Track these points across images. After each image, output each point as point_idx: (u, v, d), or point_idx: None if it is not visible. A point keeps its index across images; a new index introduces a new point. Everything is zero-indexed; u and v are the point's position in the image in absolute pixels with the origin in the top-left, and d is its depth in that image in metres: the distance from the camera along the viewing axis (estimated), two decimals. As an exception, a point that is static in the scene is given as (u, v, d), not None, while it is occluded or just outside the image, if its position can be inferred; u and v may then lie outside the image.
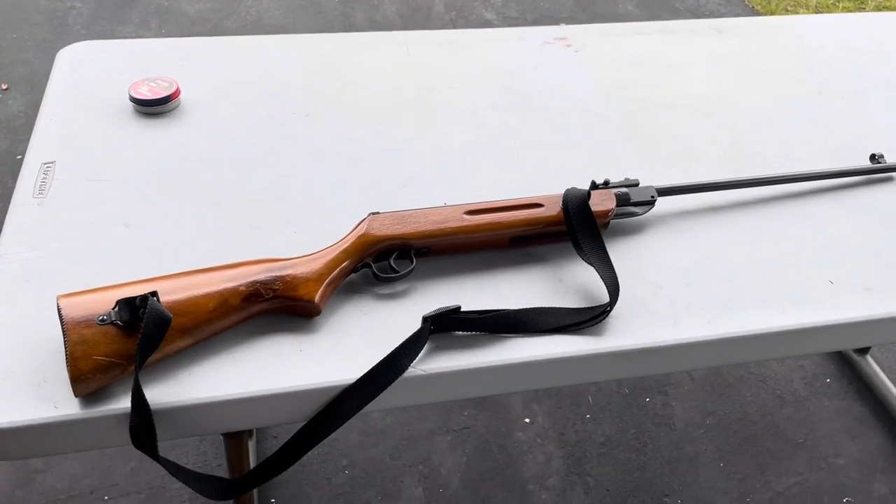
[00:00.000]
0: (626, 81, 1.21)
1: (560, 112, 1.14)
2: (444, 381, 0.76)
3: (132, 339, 0.68)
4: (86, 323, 0.68)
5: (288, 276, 0.76)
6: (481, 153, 1.04)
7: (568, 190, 0.87)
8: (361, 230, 0.81)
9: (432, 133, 1.07)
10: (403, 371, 0.73)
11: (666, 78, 1.23)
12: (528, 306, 0.80)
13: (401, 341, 0.74)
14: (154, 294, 0.69)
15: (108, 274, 0.78)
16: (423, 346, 0.75)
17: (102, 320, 0.68)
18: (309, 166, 0.98)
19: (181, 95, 1.06)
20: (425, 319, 0.75)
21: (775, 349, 0.84)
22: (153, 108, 1.04)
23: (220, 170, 0.96)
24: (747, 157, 1.07)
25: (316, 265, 0.78)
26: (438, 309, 0.76)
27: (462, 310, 0.77)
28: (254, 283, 0.75)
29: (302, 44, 1.25)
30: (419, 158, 1.02)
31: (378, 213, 0.83)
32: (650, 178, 1.02)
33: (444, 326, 0.76)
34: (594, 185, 0.91)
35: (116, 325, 0.68)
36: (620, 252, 0.88)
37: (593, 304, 0.81)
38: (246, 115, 1.06)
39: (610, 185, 0.91)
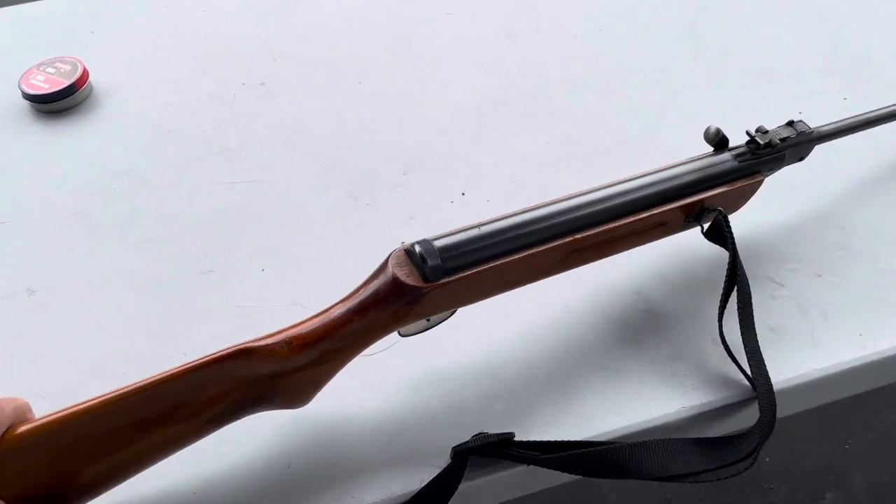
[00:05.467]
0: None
1: (599, 33, 0.85)
2: None
3: None
4: None
5: (281, 383, 0.47)
6: (501, 106, 0.77)
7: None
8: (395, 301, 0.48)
9: (432, 85, 0.79)
10: None
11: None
12: (610, 389, 0.54)
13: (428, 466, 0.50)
14: None
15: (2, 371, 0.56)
16: (457, 488, 0.49)
17: None
18: (274, 162, 0.72)
19: (90, 79, 0.79)
20: (457, 453, 0.49)
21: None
22: (55, 103, 0.77)
23: (151, 185, 0.70)
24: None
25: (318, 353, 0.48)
26: (477, 437, 0.50)
27: (516, 438, 0.50)
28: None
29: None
30: (420, 127, 0.75)
31: (424, 273, 0.48)
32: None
33: (489, 453, 0.50)
34: (755, 146, 0.57)
35: None
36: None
37: (716, 392, 0.54)
38: (181, 95, 0.79)
39: (776, 144, 0.57)
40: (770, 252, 0.63)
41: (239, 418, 0.48)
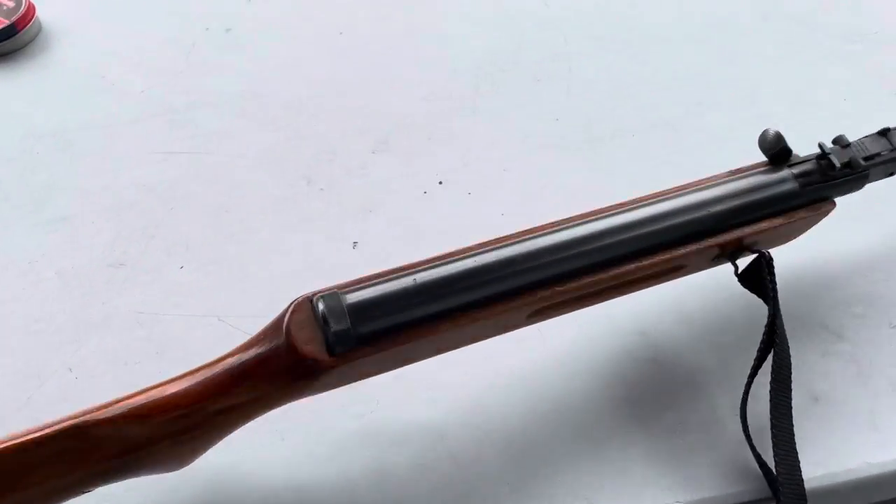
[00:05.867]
0: None
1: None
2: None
3: None
4: None
5: (135, 458, 0.36)
6: (507, 70, 0.62)
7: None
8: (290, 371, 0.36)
9: (426, 38, 0.65)
10: None
11: None
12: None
13: None
14: None
15: None
16: None
17: None
18: (221, 129, 0.60)
19: (39, 19, 0.69)
20: None
21: None
22: (-5, 45, 0.67)
23: (77, 150, 0.59)
24: None
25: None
26: None
27: None
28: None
29: None
30: (402, 93, 0.61)
31: (338, 337, 0.35)
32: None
33: None
34: (828, 165, 0.41)
35: None
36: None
37: (726, 484, 0.40)
38: (134, 41, 0.67)
39: (858, 165, 0.41)
40: (828, 289, 0.47)
41: (91, 490, 0.38)
